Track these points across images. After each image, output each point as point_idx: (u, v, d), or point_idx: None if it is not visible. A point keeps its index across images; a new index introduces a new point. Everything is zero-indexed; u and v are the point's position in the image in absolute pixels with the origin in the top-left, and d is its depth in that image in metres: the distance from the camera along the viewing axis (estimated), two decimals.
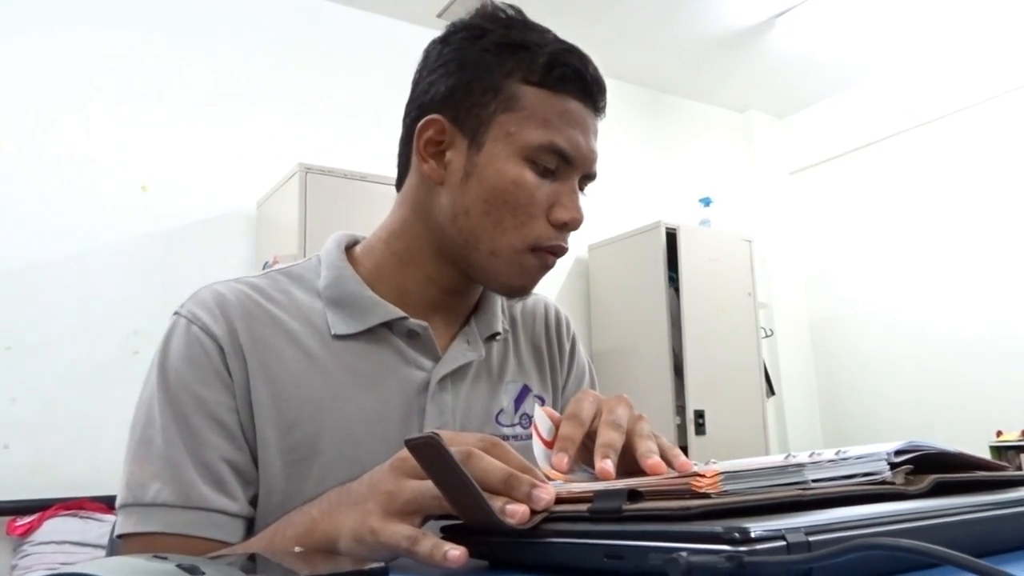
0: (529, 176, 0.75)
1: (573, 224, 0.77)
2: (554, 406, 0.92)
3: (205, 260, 2.93)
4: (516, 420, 0.86)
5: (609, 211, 3.87)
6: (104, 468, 2.53)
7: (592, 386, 0.98)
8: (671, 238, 3.55)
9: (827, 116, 4.61)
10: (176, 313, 0.76)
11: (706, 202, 3.98)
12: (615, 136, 4.13)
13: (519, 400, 0.88)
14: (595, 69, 0.78)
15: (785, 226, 4.66)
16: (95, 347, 2.72)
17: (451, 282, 0.81)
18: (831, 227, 4.56)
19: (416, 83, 0.81)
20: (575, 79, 0.76)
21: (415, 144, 0.79)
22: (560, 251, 0.79)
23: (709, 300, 3.54)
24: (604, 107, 0.81)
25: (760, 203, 4.62)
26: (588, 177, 0.80)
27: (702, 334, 3.48)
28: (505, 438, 0.84)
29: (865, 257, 4.36)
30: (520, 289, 0.80)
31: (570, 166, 0.77)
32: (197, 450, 0.70)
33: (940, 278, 4.00)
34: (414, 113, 0.80)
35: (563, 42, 0.79)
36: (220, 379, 0.72)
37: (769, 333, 4.22)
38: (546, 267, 0.79)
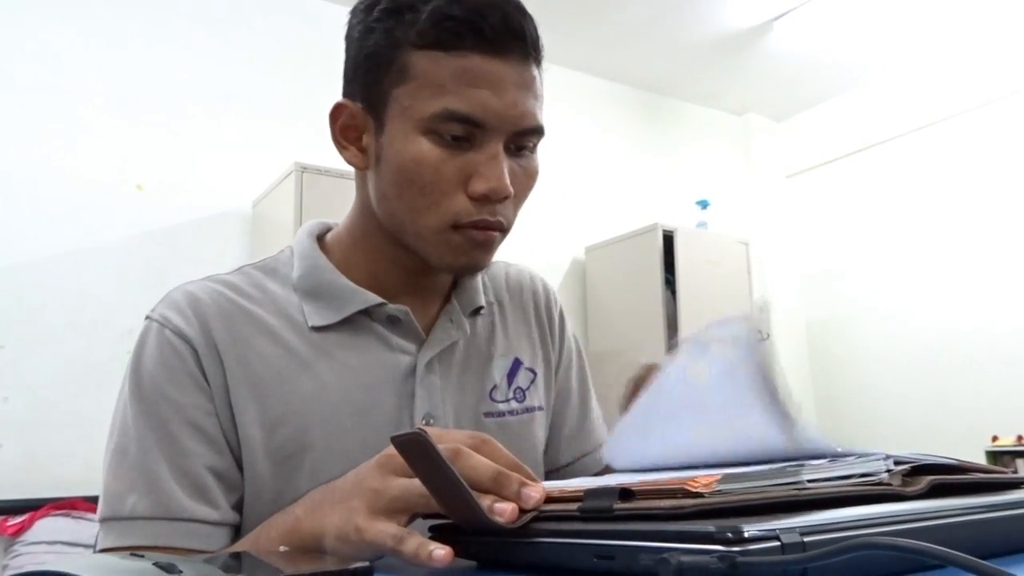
0: (431, 150, 0.68)
1: (494, 195, 0.68)
2: (548, 382, 0.90)
3: (200, 259, 2.91)
4: (510, 395, 0.84)
5: (606, 213, 3.87)
6: (97, 467, 2.45)
7: (580, 359, 0.95)
8: (668, 240, 3.54)
9: (825, 119, 4.61)
10: (148, 317, 0.74)
11: (703, 204, 3.97)
12: (612, 138, 4.14)
13: (512, 374, 0.85)
14: (503, 15, 0.66)
15: (782, 229, 4.65)
16: (89, 346, 2.70)
17: (412, 263, 0.76)
18: (828, 230, 4.56)
19: None
20: (469, 32, 0.65)
21: (331, 132, 0.76)
22: (488, 225, 0.70)
23: (706, 303, 3.53)
24: (531, 52, 0.69)
25: (757, 206, 4.62)
26: (525, 134, 0.70)
27: None
28: (500, 414, 0.82)
29: (862, 260, 4.36)
30: (465, 267, 0.74)
31: (485, 130, 0.67)
32: (176, 458, 0.68)
33: (937, 282, 4.00)
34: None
35: None
36: (196, 383, 0.70)
37: (765, 336, 4.21)
38: (479, 243, 0.71)
